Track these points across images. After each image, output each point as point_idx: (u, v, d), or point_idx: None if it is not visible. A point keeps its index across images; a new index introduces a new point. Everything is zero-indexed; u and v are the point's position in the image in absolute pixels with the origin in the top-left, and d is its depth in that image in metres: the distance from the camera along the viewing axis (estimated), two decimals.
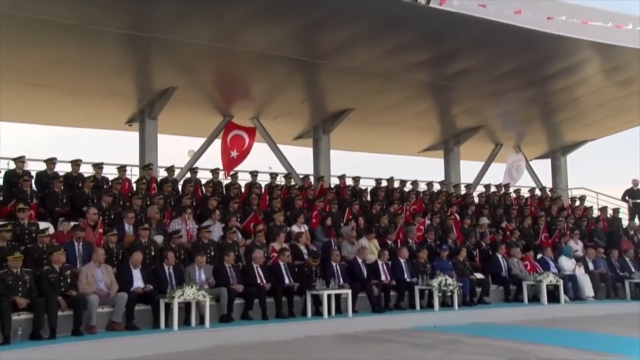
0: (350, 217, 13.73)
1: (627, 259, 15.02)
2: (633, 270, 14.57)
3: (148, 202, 11.83)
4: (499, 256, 13.50)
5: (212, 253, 10.79)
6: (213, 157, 15.85)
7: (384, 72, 13.83)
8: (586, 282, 13.67)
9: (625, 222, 18.06)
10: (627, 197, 18.49)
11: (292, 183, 15.18)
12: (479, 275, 12.92)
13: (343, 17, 11.48)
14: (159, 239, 10.76)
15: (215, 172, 14.18)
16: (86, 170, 12.44)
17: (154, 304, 9.12)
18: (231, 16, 11.10)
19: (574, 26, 12.34)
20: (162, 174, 14.20)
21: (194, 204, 12.56)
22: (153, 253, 10.25)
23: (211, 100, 15.22)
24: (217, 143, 15.81)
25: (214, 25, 11.42)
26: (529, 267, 13.55)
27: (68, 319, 8.32)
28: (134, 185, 12.87)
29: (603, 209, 17.98)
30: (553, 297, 12.79)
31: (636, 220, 18.03)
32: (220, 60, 13.03)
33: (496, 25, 11.64)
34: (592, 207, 18.61)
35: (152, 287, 9.30)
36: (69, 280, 8.73)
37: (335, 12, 11.27)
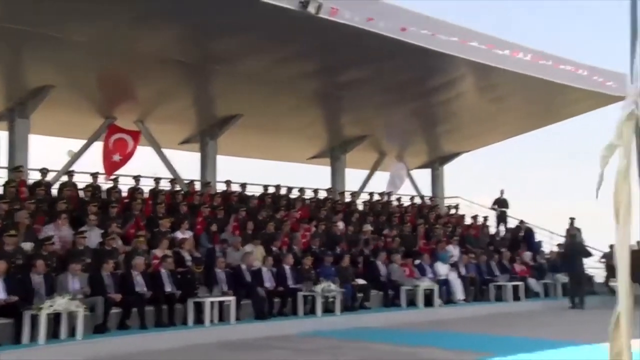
0: (236, 223, 13.65)
1: (492, 263, 16.15)
2: (497, 273, 15.71)
3: (18, 207, 11.04)
4: (379, 262, 14.00)
5: (89, 260, 10.27)
6: (93, 160, 15.14)
7: (274, 79, 13.89)
8: (458, 286, 14.54)
9: (493, 230, 19.42)
10: (495, 206, 19.91)
11: (177, 188, 14.85)
12: (360, 281, 13.31)
13: (233, 24, 11.39)
14: (28, 246, 10.07)
15: (95, 175, 13.53)
16: None
17: (17, 316, 8.45)
18: (117, 15, 10.64)
19: (454, 45, 13.09)
20: (34, 176, 13.31)
21: (70, 208, 11.89)
22: (21, 261, 9.56)
23: (92, 102, 14.49)
24: (98, 146, 15.11)
25: (98, 23, 10.86)
26: (408, 273, 14.16)
27: None
28: (1, 189, 11.96)
29: (475, 217, 19.20)
30: (429, 300, 13.45)
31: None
32: (103, 61, 12.42)
33: (383, 39, 12.05)
34: (465, 215, 19.80)
35: (17, 298, 8.64)
36: None
37: (225, 18, 11.16)
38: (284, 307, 11.74)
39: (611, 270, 17.55)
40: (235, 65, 13.00)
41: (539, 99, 16.66)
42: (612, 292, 17.15)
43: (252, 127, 16.74)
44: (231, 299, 10.65)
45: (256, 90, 14.47)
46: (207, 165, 16.45)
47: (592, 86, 15.69)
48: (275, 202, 15.76)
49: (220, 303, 10.66)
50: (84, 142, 15.50)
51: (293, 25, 11.47)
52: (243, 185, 15.94)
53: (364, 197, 19.19)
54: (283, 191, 16.57)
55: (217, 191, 15.59)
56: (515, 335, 10.65)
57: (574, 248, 16.04)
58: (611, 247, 17.57)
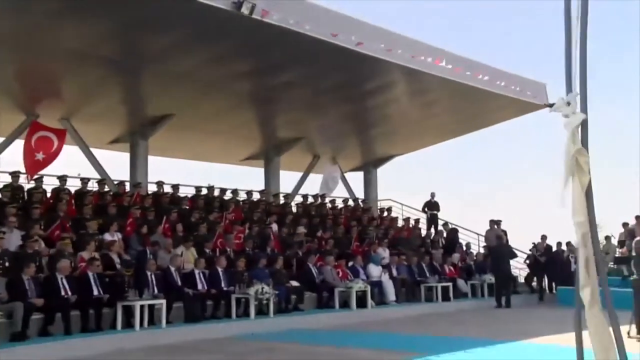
0: (168, 225, 13.35)
1: (423, 265, 16.52)
2: (427, 275, 16.09)
3: None
4: (312, 264, 14.03)
5: (7, 264, 9.73)
6: (14, 160, 14.41)
7: (207, 80, 13.66)
8: (390, 288, 14.77)
9: (423, 232, 19.88)
10: (426, 209, 20.38)
11: (106, 189, 14.36)
12: (294, 283, 13.29)
13: (165, 21, 11.10)
14: None
15: (15, 175, 12.87)
16: None
17: None
18: (39, 7, 10.14)
19: (383, 51, 13.30)
20: None
21: None
22: None
23: (12, 98, 13.79)
24: (19, 144, 14.39)
25: (17, 14, 10.33)
26: (341, 275, 14.26)
27: None
28: None
29: (407, 220, 19.58)
30: (361, 302, 13.59)
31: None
32: (24, 55, 11.81)
33: (315, 41, 12.11)
34: (397, 217, 20.15)
35: None
36: None
37: (156, 15, 10.88)
38: (217, 310, 11.56)
39: (533, 271, 18.38)
40: (167, 64, 12.70)
41: (466, 105, 17.18)
42: (533, 291, 17.98)
43: (185, 127, 16.44)
44: (162, 302, 10.38)
45: (189, 90, 14.21)
46: (137, 165, 16.00)
47: (515, 94, 16.34)
48: (208, 203, 15.52)
49: (151, 306, 10.37)
50: (1, 139, 14.75)
51: (226, 25, 11.32)
52: (175, 187, 15.62)
53: (298, 199, 19.20)
54: (216, 193, 16.35)
55: (148, 192, 15.19)
56: (444, 335, 10.92)
57: (500, 250, 16.64)
58: (532, 248, 18.39)
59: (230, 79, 13.87)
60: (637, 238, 10.26)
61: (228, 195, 16.52)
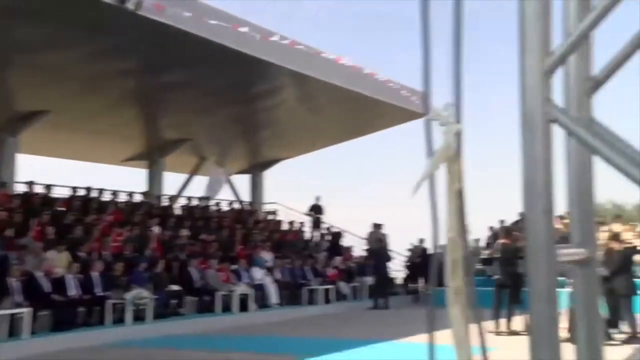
0: (39, 227, 12.52)
1: (307, 268, 16.74)
2: (310, 277, 16.33)
3: None
4: (194, 268, 13.78)
5: None
6: None
7: (87, 76, 13.01)
8: (273, 290, 14.82)
9: (308, 235, 20.16)
10: (311, 212, 20.69)
11: None
12: (175, 287, 12.97)
13: (37, 11, 10.45)
14: None
15: None
16: None
17: None
18: None
19: (276, 52, 13.37)
20: None
21: None
22: None
23: None
24: None
25: None
26: (224, 278, 14.11)
27: None
28: None
29: (291, 223, 19.76)
30: (244, 305, 13.52)
31: None
32: None
33: (204, 42, 11.92)
34: (282, 220, 20.27)
35: None
36: None
37: (27, 3, 10.20)
38: (90, 317, 11.02)
39: (412, 272, 19.21)
40: (41, 57, 11.94)
41: (352, 111, 17.67)
42: (409, 292, 18.80)
43: (62, 125, 15.57)
44: (25, 311, 9.70)
45: (67, 85, 13.48)
46: (4, 164, 14.90)
47: (400, 101, 17.02)
48: (85, 205, 14.76)
49: (12, 316, 9.65)
50: None
51: (108, 19, 10.86)
52: (48, 187, 14.71)
53: (182, 201, 18.79)
54: (94, 194, 15.59)
55: (17, 192, 14.19)
56: (325, 337, 11.14)
57: (380, 252, 17.23)
58: (411, 250, 19.23)
59: (112, 76, 13.34)
60: (500, 240, 11.06)
61: (108, 197, 15.81)
